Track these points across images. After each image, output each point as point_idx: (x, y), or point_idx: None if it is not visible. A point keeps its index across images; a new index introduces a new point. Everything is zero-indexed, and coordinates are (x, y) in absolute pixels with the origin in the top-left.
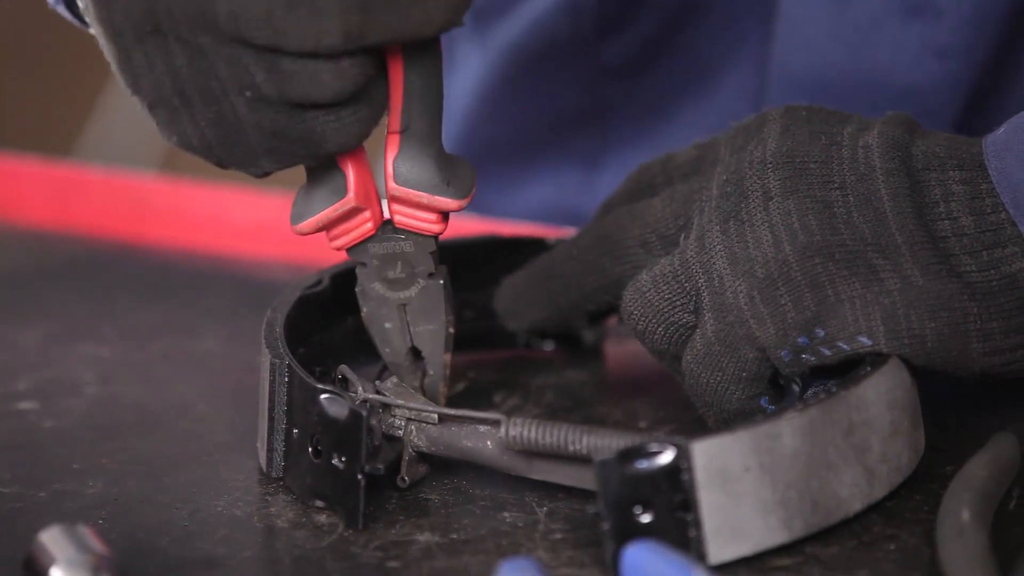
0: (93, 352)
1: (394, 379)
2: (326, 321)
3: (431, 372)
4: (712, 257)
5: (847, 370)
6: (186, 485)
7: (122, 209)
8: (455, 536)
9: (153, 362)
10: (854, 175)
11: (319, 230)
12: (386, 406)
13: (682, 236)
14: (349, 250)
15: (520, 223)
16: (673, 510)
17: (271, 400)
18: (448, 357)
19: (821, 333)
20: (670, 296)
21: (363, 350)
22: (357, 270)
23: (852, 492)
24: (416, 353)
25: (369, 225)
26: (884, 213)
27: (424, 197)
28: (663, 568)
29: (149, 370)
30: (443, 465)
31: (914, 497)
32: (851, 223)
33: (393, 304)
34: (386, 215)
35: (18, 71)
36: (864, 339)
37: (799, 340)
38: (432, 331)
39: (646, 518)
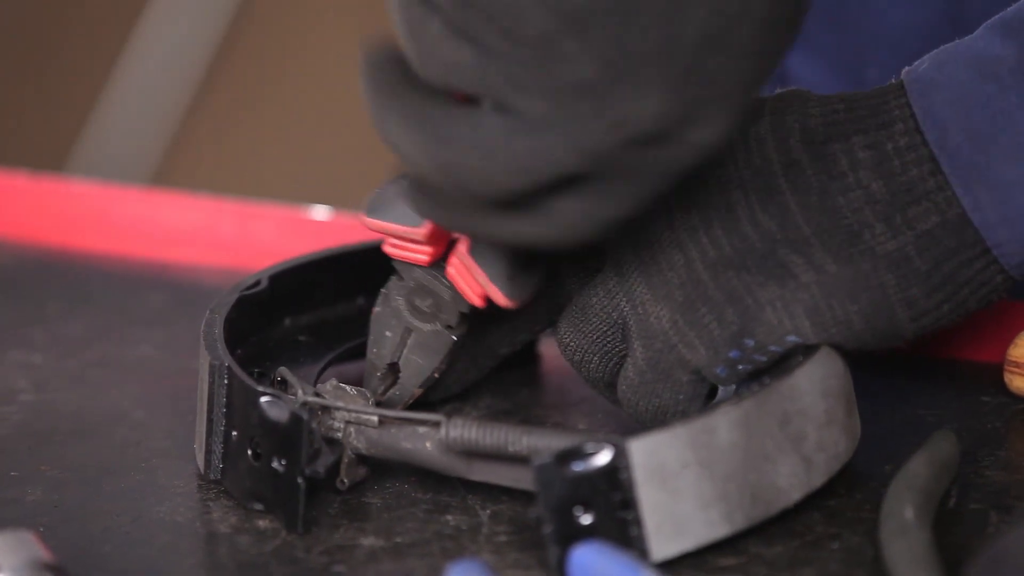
0: (25, 359)
1: (333, 381)
2: (264, 322)
3: (396, 392)
4: (632, 284)
5: (781, 362)
6: (126, 492)
7: (49, 215)
8: (399, 540)
9: (87, 369)
10: (750, 170)
11: (380, 233)
12: (326, 408)
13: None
14: (395, 261)
15: None
16: (614, 510)
17: (210, 402)
18: (419, 392)
19: (751, 343)
20: (600, 325)
21: (301, 352)
22: (393, 276)
23: (791, 482)
24: (395, 368)
25: (425, 257)
26: (788, 206)
27: (481, 278)
28: (611, 569)
29: (83, 377)
30: (384, 468)
31: (855, 496)
32: (756, 222)
33: (403, 323)
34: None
35: (10, 85)
36: (793, 338)
37: (731, 355)
38: (420, 365)
39: (587, 519)
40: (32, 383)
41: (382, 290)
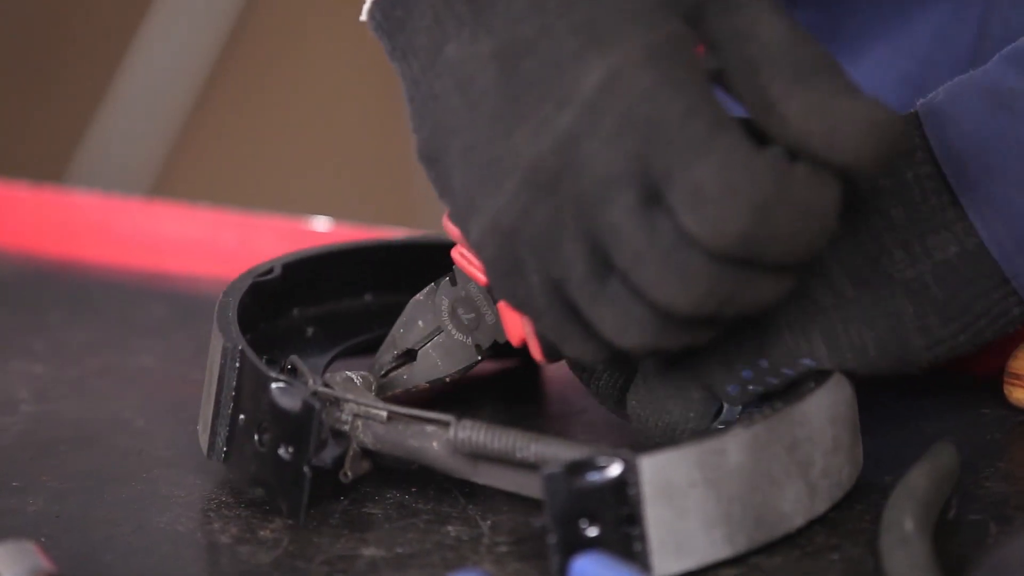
0: (26, 369)
1: (343, 373)
2: (273, 310)
3: (404, 376)
4: None
5: (792, 387)
6: (128, 501)
7: (49, 225)
8: (400, 550)
9: (88, 378)
10: None
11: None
12: (334, 400)
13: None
14: (456, 268)
15: None
16: (619, 524)
17: (220, 384)
18: (424, 386)
19: (764, 364)
20: None
21: (307, 343)
22: (449, 277)
23: (795, 507)
24: (412, 355)
25: (485, 279)
26: None
27: (528, 328)
28: None
29: (85, 386)
30: (385, 479)
31: (855, 507)
32: None
33: (436, 320)
34: None
35: (10, 96)
36: (808, 361)
37: (744, 374)
38: (437, 365)
39: (592, 532)
40: (33, 393)
41: (432, 284)
